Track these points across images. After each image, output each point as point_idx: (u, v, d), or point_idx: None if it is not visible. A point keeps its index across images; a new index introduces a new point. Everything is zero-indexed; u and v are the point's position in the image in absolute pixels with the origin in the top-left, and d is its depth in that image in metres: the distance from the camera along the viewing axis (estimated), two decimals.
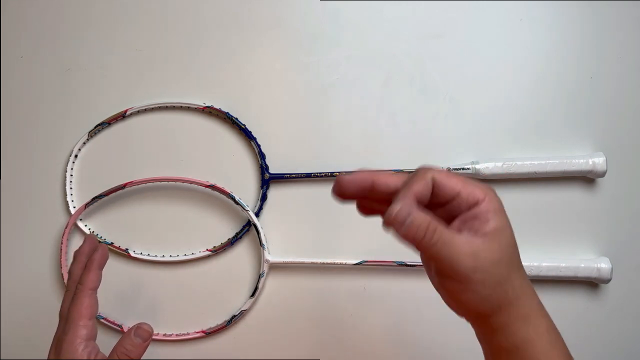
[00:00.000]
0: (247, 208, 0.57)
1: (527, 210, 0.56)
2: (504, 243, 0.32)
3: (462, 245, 0.31)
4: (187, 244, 0.59)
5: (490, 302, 0.32)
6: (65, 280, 0.58)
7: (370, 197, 0.33)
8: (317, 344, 0.57)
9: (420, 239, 0.31)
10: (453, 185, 0.32)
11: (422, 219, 0.30)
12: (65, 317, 0.42)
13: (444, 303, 0.35)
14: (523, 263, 0.53)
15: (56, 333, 0.43)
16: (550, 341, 0.34)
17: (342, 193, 0.33)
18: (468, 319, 0.35)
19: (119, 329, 0.58)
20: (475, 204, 0.32)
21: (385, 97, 0.58)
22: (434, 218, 0.31)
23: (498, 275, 0.32)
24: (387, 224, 0.31)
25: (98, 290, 0.46)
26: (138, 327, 0.43)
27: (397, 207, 0.30)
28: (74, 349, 0.40)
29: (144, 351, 0.43)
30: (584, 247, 0.55)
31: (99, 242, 0.46)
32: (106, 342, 0.58)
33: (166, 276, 0.59)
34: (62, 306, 0.44)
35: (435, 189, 0.32)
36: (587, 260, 0.54)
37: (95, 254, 0.45)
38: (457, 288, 0.32)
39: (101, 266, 0.44)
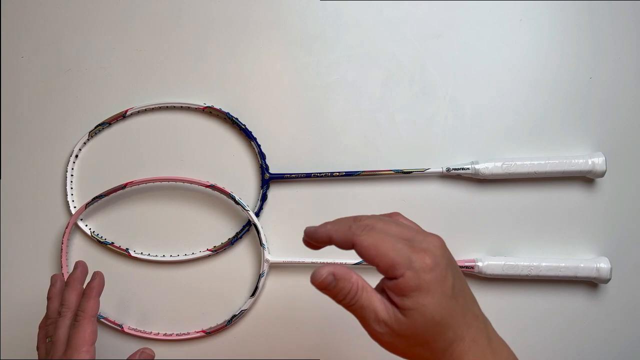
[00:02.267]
0: (247, 208, 0.57)
1: (527, 210, 0.56)
2: (421, 320, 0.31)
3: (378, 311, 0.32)
4: (187, 244, 0.59)
5: (414, 357, 0.33)
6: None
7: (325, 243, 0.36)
8: (317, 344, 0.57)
9: (341, 300, 0.33)
10: (371, 258, 0.32)
11: (346, 281, 0.32)
12: (65, 343, 0.44)
13: None
14: (522, 263, 0.54)
15: (50, 356, 0.44)
16: None
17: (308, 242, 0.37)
18: None
19: (119, 328, 0.58)
20: (394, 277, 0.31)
21: (385, 97, 0.59)
22: (360, 278, 0.32)
23: (407, 343, 0.32)
24: (314, 284, 0.33)
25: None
26: (142, 352, 0.45)
27: (319, 277, 0.32)
28: None
29: None
30: (583, 247, 0.55)
31: (96, 270, 0.49)
32: (106, 342, 0.59)
33: (166, 276, 0.59)
34: (57, 332, 0.45)
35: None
36: (587, 260, 0.54)
37: (93, 281, 0.47)
38: (376, 339, 0.33)
39: (100, 293, 0.47)
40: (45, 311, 0.49)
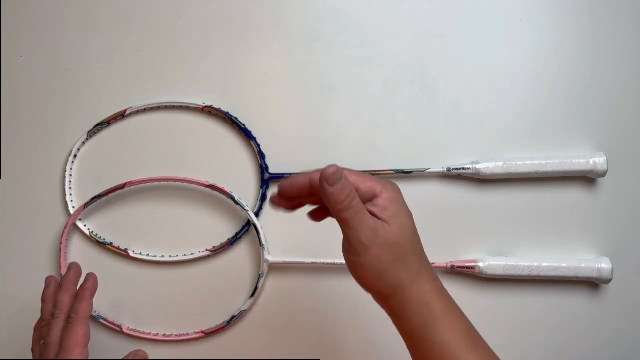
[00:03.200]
0: (247, 208, 0.57)
1: (527, 210, 0.56)
2: (402, 227, 0.36)
3: (368, 220, 0.35)
4: (187, 244, 0.59)
5: (385, 281, 0.36)
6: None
7: (302, 196, 0.39)
8: (317, 344, 0.57)
9: (342, 201, 0.35)
10: (352, 181, 0.36)
11: (350, 184, 0.36)
12: (58, 345, 0.43)
13: None
14: (523, 263, 0.54)
15: (43, 358, 0.44)
16: (449, 322, 0.36)
17: (285, 196, 0.39)
18: (378, 300, 0.38)
19: (118, 329, 0.58)
20: (374, 196, 0.36)
21: (385, 97, 0.58)
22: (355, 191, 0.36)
23: (393, 255, 0.35)
24: (324, 178, 0.35)
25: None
26: (136, 354, 0.45)
27: (334, 169, 0.35)
28: None
29: None
30: (584, 247, 0.55)
31: (89, 272, 0.48)
32: (105, 343, 0.59)
33: (166, 276, 0.59)
34: (50, 334, 0.44)
35: None
36: (588, 261, 0.53)
37: (87, 283, 0.46)
38: (356, 261, 0.36)
39: (93, 295, 0.46)
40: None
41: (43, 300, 0.48)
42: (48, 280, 0.49)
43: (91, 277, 0.47)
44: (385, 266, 0.36)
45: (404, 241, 0.36)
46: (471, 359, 0.35)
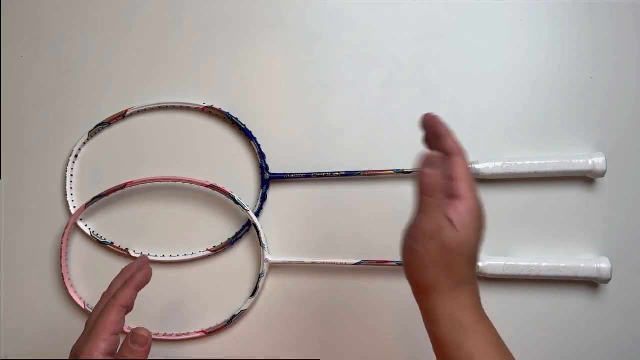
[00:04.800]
0: (247, 208, 0.57)
1: (527, 210, 0.56)
2: (465, 239, 0.36)
3: (441, 217, 0.36)
4: (187, 244, 0.59)
5: (425, 276, 0.37)
6: (67, 279, 0.59)
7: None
8: (317, 344, 0.57)
9: (429, 186, 0.37)
10: (452, 171, 0.37)
11: (441, 176, 0.37)
12: (90, 327, 0.41)
13: None
14: (522, 263, 0.54)
15: (78, 340, 0.42)
16: (480, 333, 0.37)
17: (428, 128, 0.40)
18: (414, 292, 0.39)
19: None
20: (458, 198, 0.36)
21: (385, 97, 0.59)
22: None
23: (443, 258, 0.36)
24: (425, 158, 0.38)
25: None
26: (133, 334, 0.41)
27: (438, 154, 0.37)
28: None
29: (147, 354, 0.42)
30: (583, 247, 0.55)
31: (147, 265, 0.46)
32: None
33: (167, 276, 0.59)
34: (91, 315, 0.43)
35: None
36: (587, 260, 0.54)
37: (138, 273, 0.44)
38: (410, 245, 0.37)
39: (139, 287, 0.44)
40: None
41: (115, 279, 0.46)
42: (123, 270, 0.47)
43: (145, 269, 0.45)
44: (431, 263, 0.36)
45: (460, 252, 0.36)
46: None
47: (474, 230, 0.37)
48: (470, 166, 0.38)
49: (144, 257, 0.48)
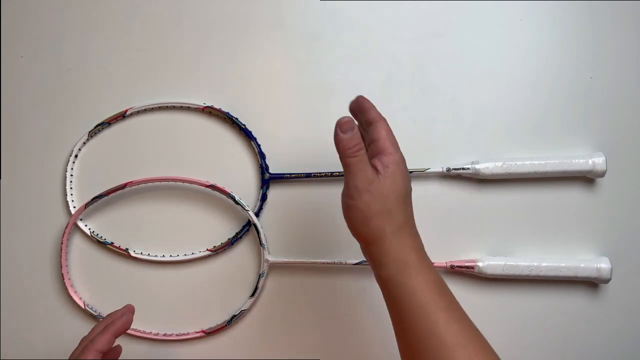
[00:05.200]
0: (247, 208, 0.57)
1: (527, 210, 0.56)
2: (394, 184, 0.40)
3: (367, 170, 0.40)
4: (187, 244, 0.59)
5: (369, 228, 0.40)
6: (67, 279, 0.59)
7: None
8: (317, 344, 0.57)
9: (349, 148, 0.40)
10: (377, 133, 0.42)
11: (358, 137, 0.41)
12: None
13: None
14: (522, 263, 0.54)
15: None
16: (423, 273, 0.39)
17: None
18: (362, 248, 0.42)
19: None
20: (383, 153, 0.41)
21: (385, 97, 0.59)
22: (364, 146, 0.41)
23: (380, 205, 0.40)
24: (338, 125, 0.41)
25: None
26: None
27: (348, 119, 0.41)
28: None
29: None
30: (583, 247, 0.55)
31: (129, 312, 0.48)
32: None
33: (166, 276, 0.59)
34: (71, 356, 0.44)
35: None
36: (587, 260, 0.54)
37: (118, 320, 0.46)
38: (349, 204, 0.41)
39: (118, 333, 0.45)
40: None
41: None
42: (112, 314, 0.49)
43: (125, 316, 0.46)
44: (371, 214, 0.40)
45: (394, 197, 0.40)
46: (440, 305, 0.38)
47: (401, 177, 0.41)
48: (389, 129, 0.43)
49: (129, 306, 0.49)
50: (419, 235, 0.42)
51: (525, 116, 0.57)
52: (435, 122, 0.58)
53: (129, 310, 0.49)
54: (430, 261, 0.41)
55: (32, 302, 0.60)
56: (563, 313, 0.55)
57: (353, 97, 0.45)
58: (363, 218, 0.40)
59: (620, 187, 0.55)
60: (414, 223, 0.42)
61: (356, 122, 0.42)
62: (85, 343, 0.45)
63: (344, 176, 0.41)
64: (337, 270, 0.57)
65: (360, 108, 0.44)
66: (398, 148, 0.42)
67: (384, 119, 0.43)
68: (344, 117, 0.41)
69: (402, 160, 0.42)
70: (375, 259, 0.40)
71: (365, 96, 0.45)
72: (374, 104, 0.44)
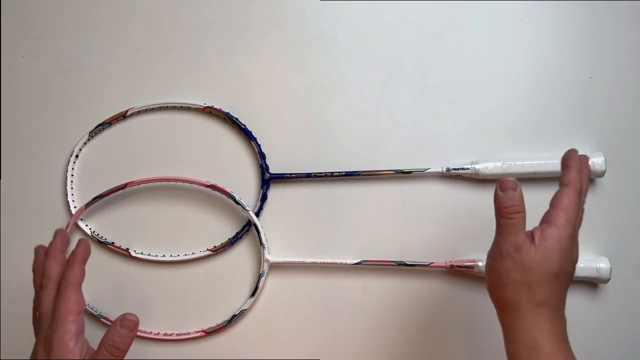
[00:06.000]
0: (247, 208, 0.57)
1: (527, 210, 0.55)
2: (546, 260, 0.38)
3: (519, 236, 0.39)
4: (187, 244, 0.59)
5: (503, 294, 0.39)
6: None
7: None
8: (317, 344, 0.57)
9: (505, 207, 0.39)
10: (565, 203, 0.40)
11: (519, 199, 0.40)
12: (51, 315, 0.41)
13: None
14: None
15: (40, 332, 0.42)
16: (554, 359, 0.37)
17: None
18: (497, 312, 0.40)
19: None
20: (550, 224, 0.39)
21: (385, 97, 0.59)
22: (524, 210, 0.40)
23: (521, 276, 0.38)
24: (499, 182, 0.40)
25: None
26: (123, 318, 0.42)
27: (512, 179, 0.40)
28: (64, 345, 0.40)
29: (132, 341, 0.42)
30: (583, 247, 0.54)
31: (80, 238, 0.45)
32: None
33: (167, 275, 0.59)
34: (41, 305, 0.42)
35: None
36: (586, 260, 0.54)
37: (77, 248, 0.44)
38: (490, 264, 0.40)
39: (84, 261, 0.44)
40: None
41: (33, 271, 0.45)
42: (37, 249, 0.46)
43: (82, 242, 0.44)
44: (508, 280, 0.38)
45: (539, 272, 0.38)
46: None
47: (556, 255, 0.38)
48: (580, 203, 0.40)
49: (62, 231, 0.46)
50: (563, 322, 0.39)
51: (525, 116, 0.57)
52: (435, 122, 0.58)
53: (64, 235, 0.45)
54: (570, 351, 0.38)
55: (32, 302, 0.60)
56: None
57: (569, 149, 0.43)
58: (499, 283, 0.39)
59: (619, 187, 0.55)
60: (562, 307, 0.39)
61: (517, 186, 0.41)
62: (52, 282, 0.42)
63: (495, 234, 0.40)
64: (337, 270, 0.57)
65: (564, 163, 0.41)
66: (572, 224, 0.39)
67: (576, 187, 0.40)
68: (508, 177, 0.40)
69: (570, 238, 0.39)
70: (505, 330, 0.39)
71: (578, 152, 0.42)
72: (575, 164, 0.41)
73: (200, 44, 0.61)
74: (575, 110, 0.56)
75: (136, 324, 0.42)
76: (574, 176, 0.40)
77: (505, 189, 0.40)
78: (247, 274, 0.59)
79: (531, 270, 0.38)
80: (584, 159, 0.42)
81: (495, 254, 0.39)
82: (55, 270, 0.43)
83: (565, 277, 0.39)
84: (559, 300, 0.39)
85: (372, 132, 0.58)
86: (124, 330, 0.41)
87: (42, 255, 0.45)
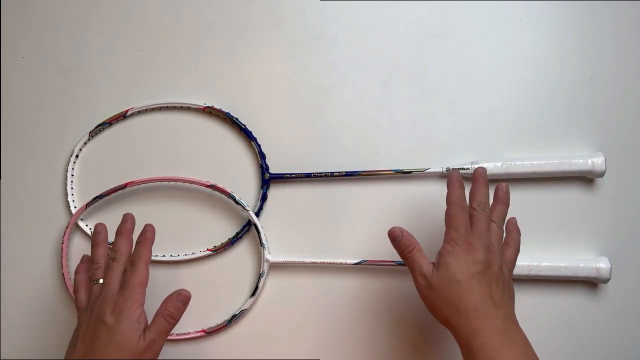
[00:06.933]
0: (247, 208, 0.57)
1: (527, 210, 0.56)
2: (446, 276, 0.44)
3: (422, 266, 0.45)
4: (187, 244, 0.59)
5: (437, 316, 0.45)
6: (67, 279, 0.59)
7: None
8: (317, 344, 0.57)
9: (401, 252, 0.47)
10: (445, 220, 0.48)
11: (407, 240, 0.47)
12: (119, 284, 0.47)
13: None
14: (522, 263, 0.54)
15: (102, 297, 0.46)
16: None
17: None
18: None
19: None
20: (444, 241, 0.46)
21: (385, 97, 0.59)
22: (418, 244, 0.47)
23: (437, 297, 0.44)
24: (390, 234, 0.48)
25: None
26: (179, 293, 0.48)
27: (394, 231, 0.48)
28: (133, 312, 0.45)
29: (182, 314, 0.48)
30: (583, 247, 0.55)
31: (147, 223, 0.51)
32: None
33: (167, 275, 0.59)
34: (110, 274, 0.48)
35: None
36: (587, 260, 0.54)
37: (147, 233, 0.50)
38: (419, 293, 0.46)
39: (152, 242, 0.50)
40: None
41: (95, 244, 0.51)
42: (99, 227, 0.52)
43: (150, 227, 0.50)
44: (432, 304, 0.45)
45: (447, 285, 0.43)
46: None
47: (454, 265, 0.43)
48: (462, 209, 0.47)
49: (131, 215, 0.52)
50: (498, 316, 0.42)
51: (525, 116, 0.57)
52: (435, 122, 0.58)
53: (133, 219, 0.52)
54: (505, 342, 0.42)
55: (32, 302, 0.60)
56: (562, 313, 0.55)
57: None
58: (430, 307, 0.45)
59: (619, 187, 0.55)
60: (490, 304, 0.42)
61: (401, 229, 0.48)
62: (123, 257, 0.49)
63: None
64: (337, 270, 0.57)
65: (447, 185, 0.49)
66: (459, 232, 0.45)
67: (453, 202, 0.47)
68: (392, 228, 0.48)
69: (462, 246, 0.44)
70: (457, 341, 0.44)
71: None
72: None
73: (200, 44, 0.61)
74: (575, 111, 0.56)
75: (189, 298, 0.48)
76: (449, 193, 0.48)
77: (394, 240, 0.47)
78: (247, 274, 0.59)
79: (440, 288, 0.43)
80: (453, 176, 0.49)
81: (417, 286, 0.46)
82: (126, 247, 0.50)
83: (481, 277, 0.43)
84: (482, 299, 0.42)
85: (372, 132, 0.58)
86: (179, 303, 0.47)
87: (104, 232, 0.52)
